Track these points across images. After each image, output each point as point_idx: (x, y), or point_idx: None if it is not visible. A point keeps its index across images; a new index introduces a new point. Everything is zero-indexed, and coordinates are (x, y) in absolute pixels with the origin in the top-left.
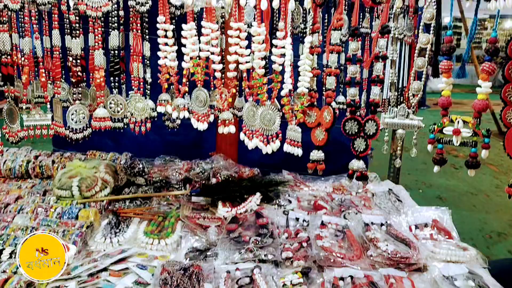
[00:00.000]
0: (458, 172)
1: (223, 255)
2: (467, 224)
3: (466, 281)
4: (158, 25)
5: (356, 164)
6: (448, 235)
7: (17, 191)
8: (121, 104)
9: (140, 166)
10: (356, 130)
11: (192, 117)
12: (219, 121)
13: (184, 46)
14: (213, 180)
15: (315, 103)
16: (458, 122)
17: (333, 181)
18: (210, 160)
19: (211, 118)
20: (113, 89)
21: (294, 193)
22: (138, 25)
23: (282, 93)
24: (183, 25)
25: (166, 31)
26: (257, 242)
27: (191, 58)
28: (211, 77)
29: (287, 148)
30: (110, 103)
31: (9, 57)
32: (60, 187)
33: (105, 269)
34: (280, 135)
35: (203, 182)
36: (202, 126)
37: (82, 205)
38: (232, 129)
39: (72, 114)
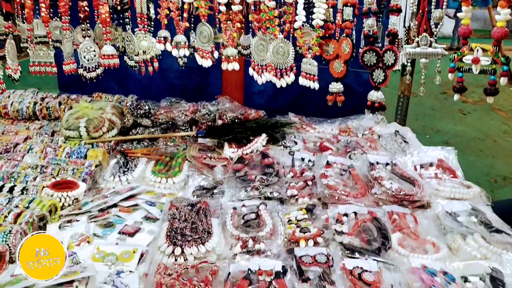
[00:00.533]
0: (466, 118)
1: (229, 193)
2: (473, 169)
3: (468, 217)
4: None
5: (375, 95)
6: (452, 174)
7: (25, 131)
8: (129, 41)
9: (146, 107)
10: (375, 61)
11: (196, 54)
12: (223, 57)
13: None
14: (219, 122)
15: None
16: (478, 50)
17: (340, 123)
18: (216, 102)
19: (216, 54)
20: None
21: (300, 135)
22: None
23: (296, 25)
24: None
25: None
26: (263, 181)
27: None
28: (216, 12)
29: (302, 81)
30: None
31: None
32: (68, 127)
33: (115, 205)
34: (294, 68)
35: (209, 123)
36: (206, 63)
37: (90, 145)
38: (236, 66)
39: (84, 51)
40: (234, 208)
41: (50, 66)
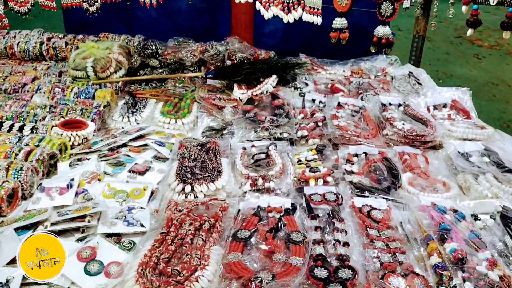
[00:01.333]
0: (481, 63)
1: (239, 133)
2: (485, 114)
3: (481, 157)
4: None
5: (382, 30)
6: (466, 115)
7: (33, 72)
8: None
9: (154, 47)
10: None
11: None
12: None
13: None
14: (228, 62)
15: None
16: None
17: (352, 65)
18: (225, 42)
19: None
20: None
21: (310, 76)
22: None
23: None
24: None
25: None
26: (273, 121)
27: None
28: None
29: (306, 17)
30: None
31: None
32: (75, 68)
33: (124, 145)
34: (303, 2)
35: (218, 64)
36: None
37: (98, 86)
38: None
39: None
40: (244, 148)
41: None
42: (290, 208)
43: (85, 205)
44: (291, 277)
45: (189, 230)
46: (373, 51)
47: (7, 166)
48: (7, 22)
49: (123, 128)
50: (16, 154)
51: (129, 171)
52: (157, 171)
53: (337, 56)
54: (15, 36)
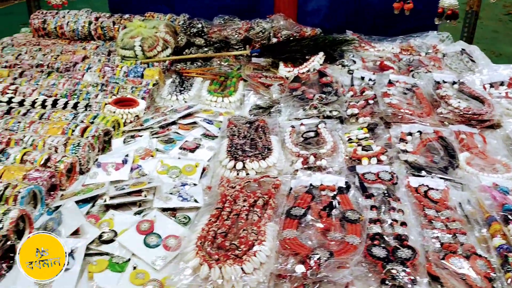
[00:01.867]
0: None
1: (287, 111)
2: None
3: None
4: None
5: (448, 1)
6: None
7: (82, 51)
8: None
9: (199, 25)
10: None
11: None
12: None
13: None
14: (274, 40)
15: None
16: None
17: (401, 41)
18: (270, 19)
19: None
20: None
21: (358, 54)
22: None
23: None
24: None
25: None
26: (322, 99)
27: None
28: None
29: None
30: None
31: None
32: (123, 47)
33: (174, 123)
34: None
35: (263, 42)
36: None
37: (146, 65)
38: None
39: None
40: (292, 127)
41: None
42: (344, 186)
43: (141, 180)
44: (348, 255)
45: (244, 206)
46: (437, 23)
47: (65, 142)
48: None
49: (172, 106)
50: (73, 131)
51: (180, 148)
52: (207, 148)
53: (384, 33)
54: (64, 16)
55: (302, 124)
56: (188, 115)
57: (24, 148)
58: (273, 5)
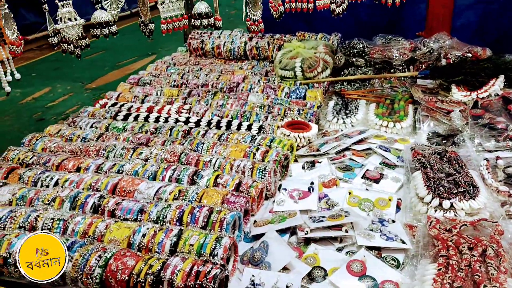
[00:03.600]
0: None
1: (474, 141)
2: None
3: None
4: None
5: None
6: None
7: (241, 71)
8: None
9: (360, 45)
10: None
11: None
12: None
13: None
14: (443, 61)
15: None
16: None
17: None
18: (436, 39)
19: None
20: None
21: None
22: None
23: None
24: None
25: None
26: None
27: None
28: None
29: None
30: None
31: None
32: (283, 67)
33: (347, 148)
34: None
35: (430, 63)
36: None
37: (306, 86)
38: None
39: None
40: (486, 159)
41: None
42: None
43: (338, 213)
44: None
45: (473, 256)
46: None
47: (251, 166)
48: (262, 27)
49: (341, 130)
50: (254, 154)
51: (363, 177)
52: (391, 179)
53: None
54: (219, 37)
55: (498, 157)
56: (361, 140)
57: (215, 171)
58: (417, 21)
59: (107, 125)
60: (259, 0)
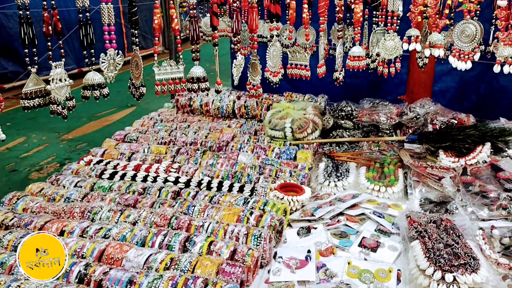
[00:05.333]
0: None
1: (468, 210)
2: None
3: None
4: None
5: None
6: None
7: (229, 130)
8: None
9: (349, 108)
10: None
11: (450, 55)
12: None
13: None
14: (430, 127)
15: None
16: None
17: None
18: (421, 104)
19: (477, 56)
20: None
21: None
22: None
23: None
24: None
25: None
26: (511, 199)
27: None
28: None
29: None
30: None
31: None
32: (273, 127)
33: (340, 213)
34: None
35: (417, 128)
36: (463, 65)
37: (296, 146)
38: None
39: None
40: (481, 229)
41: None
42: None
43: (339, 285)
44: None
45: None
46: None
47: (246, 232)
48: (261, 91)
49: (334, 194)
50: (248, 218)
51: (360, 245)
52: (388, 248)
53: None
54: (207, 94)
55: (493, 227)
56: (354, 204)
57: (208, 237)
58: (397, 84)
59: (92, 184)
60: (258, 66)
